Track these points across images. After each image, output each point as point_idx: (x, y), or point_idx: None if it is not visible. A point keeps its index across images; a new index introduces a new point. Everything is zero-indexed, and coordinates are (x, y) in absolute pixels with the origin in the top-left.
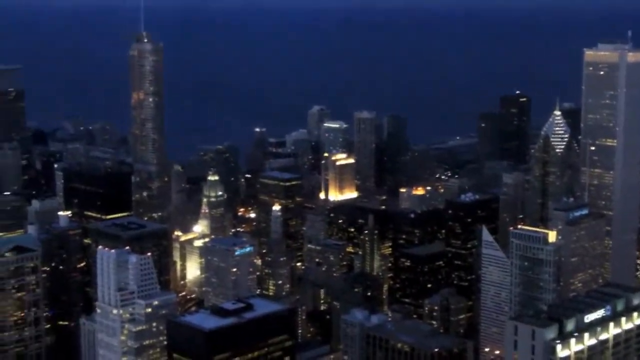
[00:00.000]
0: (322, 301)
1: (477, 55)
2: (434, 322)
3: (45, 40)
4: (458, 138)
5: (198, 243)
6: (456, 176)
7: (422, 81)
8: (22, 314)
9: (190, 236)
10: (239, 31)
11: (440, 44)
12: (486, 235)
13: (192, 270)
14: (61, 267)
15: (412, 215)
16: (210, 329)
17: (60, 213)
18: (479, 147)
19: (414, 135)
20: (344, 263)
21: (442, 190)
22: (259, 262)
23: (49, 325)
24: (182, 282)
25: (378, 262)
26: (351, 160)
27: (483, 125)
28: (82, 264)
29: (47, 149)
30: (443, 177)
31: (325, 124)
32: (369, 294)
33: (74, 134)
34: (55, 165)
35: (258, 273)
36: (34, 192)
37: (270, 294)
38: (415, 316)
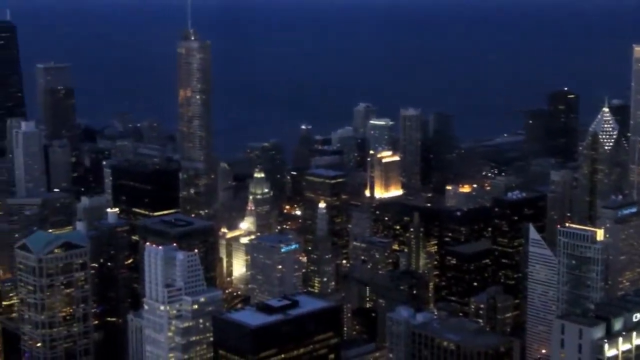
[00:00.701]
0: (367, 299)
1: (523, 50)
2: (480, 321)
3: (94, 38)
4: (505, 135)
5: (244, 240)
6: (503, 174)
7: (468, 78)
8: (71, 310)
9: (236, 233)
10: (287, 28)
11: (486, 39)
12: (533, 233)
13: (238, 267)
14: (109, 263)
15: (458, 213)
16: (256, 326)
17: (109, 210)
18: (526, 144)
19: (460, 133)
20: (390, 261)
21: (488, 188)
22: (304, 259)
23: (97, 322)
24: (228, 279)
25: (424, 260)
26: (397, 158)
27: (530, 122)
28: (130, 261)
29: (96, 146)
30: (490, 174)
31: (371, 122)
32: (414, 291)
33: (122, 132)
34: (104, 163)
35: (304, 270)
36: (83, 189)
37: (316, 291)
38: (461, 314)
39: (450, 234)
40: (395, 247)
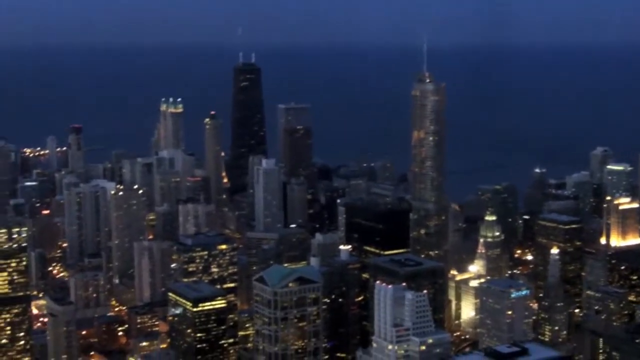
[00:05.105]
0: (600, 351)
1: None
2: None
3: (333, 79)
4: None
5: (473, 283)
6: None
7: None
8: (303, 344)
9: (465, 276)
10: (524, 70)
11: None
12: None
13: (467, 310)
14: (340, 300)
15: None
16: None
17: (341, 247)
18: None
19: None
20: (625, 312)
21: None
22: (535, 306)
23: (327, 357)
24: (456, 321)
25: None
26: (635, 205)
27: None
28: (360, 298)
29: (331, 184)
30: None
31: (609, 166)
32: None
33: (356, 171)
34: (338, 201)
35: (534, 317)
36: (317, 226)
37: (546, 339)
38: None
39: None
40: (632, 298)
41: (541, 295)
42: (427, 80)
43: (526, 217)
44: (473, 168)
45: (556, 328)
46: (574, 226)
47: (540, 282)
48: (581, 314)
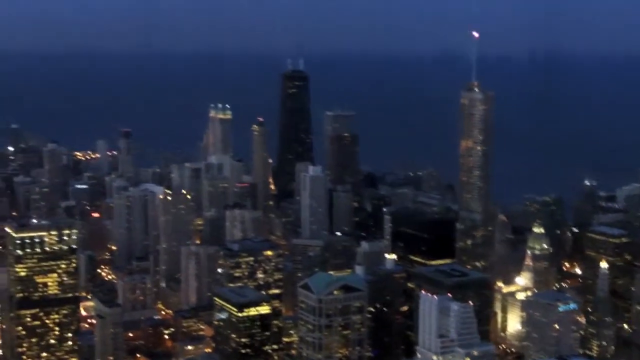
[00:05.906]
0: None
1: None
2: None
3: (380, 86)
4: None
5: (520, 296)
6: None
7: None
8: (347, 352)
9: (512, 288)
10: (574, 80)
11: None
12: None
13: (513, 323)
14: (385, 308)
15: None
16: None
17: (387, 256)
18: None
19: None
20: None
21: None
22: (582, 320)
23: None
24: (502, 334)
25: None
26: None
27: None
28: (405, 308)
29: (377, 192)
30: None
31: None
32: None
33: (402, 179)
34: (384, 209)
35: (581, 332)
36: (363, 234)
37: (594, 354)
38: None
39: None
40: None
41: (589, 309)
42: (476, 89)
43: (575, 229)
44: (521, 178)
45: (604, 343)
46: (624, 240)
47: (589, 296)
48: (630, 330)
